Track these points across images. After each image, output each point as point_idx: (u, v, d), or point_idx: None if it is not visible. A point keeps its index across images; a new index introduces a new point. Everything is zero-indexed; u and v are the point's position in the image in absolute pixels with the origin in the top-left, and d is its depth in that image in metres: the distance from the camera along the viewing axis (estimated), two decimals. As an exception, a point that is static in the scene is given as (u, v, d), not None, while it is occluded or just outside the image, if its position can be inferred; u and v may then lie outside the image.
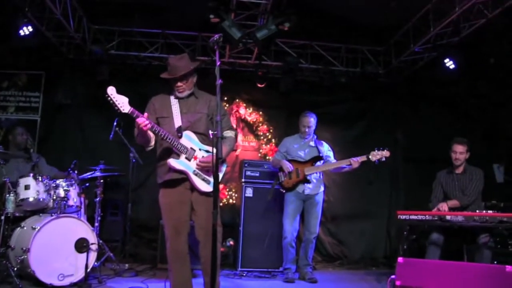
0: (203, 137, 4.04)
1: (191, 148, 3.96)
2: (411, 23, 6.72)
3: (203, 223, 3.88)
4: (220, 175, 3.98)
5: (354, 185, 7.74)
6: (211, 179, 3.87)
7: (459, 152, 5.45)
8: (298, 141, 6.14)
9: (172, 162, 3.90)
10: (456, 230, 5.05)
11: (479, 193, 5.43)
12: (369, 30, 7.13)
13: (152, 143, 4.11)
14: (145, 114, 3.78)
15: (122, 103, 3.70)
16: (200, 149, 3.98)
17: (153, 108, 4.08)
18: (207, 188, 3.94)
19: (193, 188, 3.96)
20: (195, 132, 3.99)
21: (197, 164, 3.93)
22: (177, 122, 3.98)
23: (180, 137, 3.94)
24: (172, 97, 4.10)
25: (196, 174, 3.94)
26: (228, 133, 4.16)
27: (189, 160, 3.94)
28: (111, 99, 3.68)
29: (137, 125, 3.72)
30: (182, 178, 3.95)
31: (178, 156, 3.94)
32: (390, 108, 8.09)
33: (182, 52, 7.01)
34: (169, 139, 3.86)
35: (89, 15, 6.90)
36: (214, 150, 3.30)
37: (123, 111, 3.70)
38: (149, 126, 3.72)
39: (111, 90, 3.68)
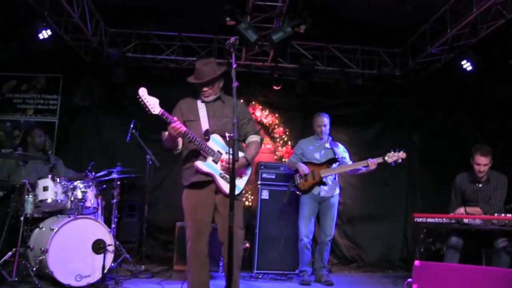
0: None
1: (218, 151, 3.99)
2: (427, 25, 6.66)
3: (225, 226, 3.79)
4: (246, 178, 4.13)
5: (370, 187, 7.69)
6: (238, 183, 3.94)
7: (483, 164, 5.17)
8: (314, 143, 6.13)
9: (199, 164, 3.93)
10: (474, 233, 4.96)
11: (503, 200, 5.25)
12: (385, 32, 7.08)
13: (180, 146, 4.14)
14: (175, 118, 3.83)
15: (153, 104, 3.74)
16: (226, 152, 3.93)
17: (180, 111, 4.13)
18: None
19: (218, 190, 3.98)
20: (222, 136, 4.00)
21: (222, 165, 3.96)
22: (204, 125, 4.01)
23: (208, 140, 3.98)
24: (199, 101, 4.14)
25: (222, 177, 3.97)
26: (254, 138, 4.23)
27: (216, 162, 3.98)
28: (142, 100, 3.71)
29: (171, 131, 3.77)
30: (208, 181, 3.98)
31: (205, 158, 3.97)
32: (407, 110, 8.03)
33: (197, 55, 7.13)
34: (197, 141, 3.89)
35: (106, 18, 6.97)
36: (231, 151, 3.36)
37: (153, 113, 3.73)
38: (183, 130, 3.77)
39: (143, 92, 3.73)
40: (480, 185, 5.33)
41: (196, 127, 4.02)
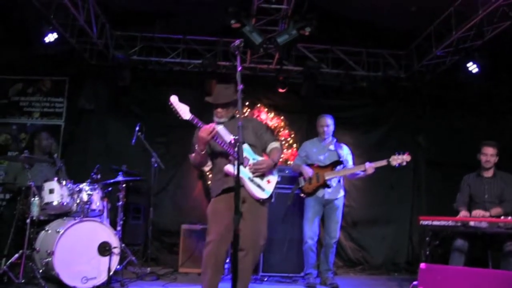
0: (254, 148, 4.19)
1: (245, 157, 4.09)
2: (433, 27, 6.65)
3: (249, 232, 3.91)
4: (273, 185, 4.20)
5: (376, 189, 7.67)
6: (266, 187, 4.12)
7: (490, 154, 5.34)
8: (317, 145, 6.12)
9: (229, 167, 3.99)
10: (480, 236, 4.95)
11: None
12: (390, 34, 7.07)
13: (209, 161, 4.26)
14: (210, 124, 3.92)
15: (184, 110, 3.90)
16: (253, 159, 4.13)
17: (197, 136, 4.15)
18: (262, 194, 4.08)
19: (245, 198, 4.00)
20: (246, 143, 4.13)
21: (250, 166, 4.07)
22: (228, 138, 4.06)
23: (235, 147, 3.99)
24: (214, 124, 4.14)
25: (251, 180, 4.07)
26: (274, 144, 4.33)
27: (245, 167, 4.07)
28: (173, 107, 3.88)
29: (203, 133, 3.84)
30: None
31: (233, 163, 3.91)
32: (412, 112, 8.00)
33: (202, 57, 7.15)
34: (226, 146, 3.99)
35: (112, 21, 7.00)
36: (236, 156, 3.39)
37: (184, 118, 3.89)
38: (215, 131, 3.86)
39: (174, 99, 3.88)
40: (486, 180, 5.41)
41: (215, 145, 4.09)
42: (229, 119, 4.25)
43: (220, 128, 4.12)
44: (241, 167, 3.80)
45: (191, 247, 6.17)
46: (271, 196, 4.18)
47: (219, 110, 4.21)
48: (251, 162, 4.10)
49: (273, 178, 4.21)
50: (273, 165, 4.17)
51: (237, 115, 4.12)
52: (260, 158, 4.16)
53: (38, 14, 5.90)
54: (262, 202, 4.11)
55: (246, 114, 7.71)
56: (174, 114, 3.89)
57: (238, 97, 3.49)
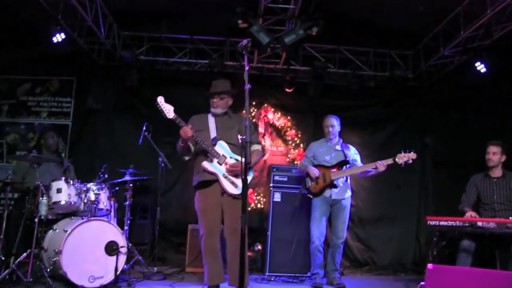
0: (234, 147, 4.65)
1: (223, 154, 4.60)
2: (440, 26, 6.62)
3: (230, 223, 4.55)
4: (249, 177, 4.46)
5: (383, 190, 7.66)
6: (238, 183, 4.51)
7: (493, 152, 5.37)
8: (324, 145, 6.11)
9: (205, 164, 4.56)
10: (488, 237, 4.93)
11: None
12: (397, 34, 7.06)
13: (191, 151, 4.77)
14: (189, 125, 4.49)
15: (169, 110, 4.47)
16: (230, 157, 4.61)
17: (192, 123, 4.67)
18: (234, 190, 4.55)
19: (223, 192, 4.57)
20: (227, 142, 4.64)
21: (226, 169, 4.55)
22: (213, 133, 4.67)
23: (214, 145, 4.61)
24: (209, 116, 4.82)
25: (225, 177, 4.55)
26: (255, 146, 4.82)
27: (220, 164, 4.58)
28: (159, 106, 4.45)
29: (182, 133, 4.42)
30: (213, 180, 4.57)
31: (211, 160, 4.58)
32: (419, 112, 7.98)
33: (209, 57, 7.18)
34: (205, 144, 4.54)
35: (119, 21, 7.02)
36: (244, 153, 3.48)
37: (168, 117, 4.46)
38: (190, 134, 4.40)
39: (160, 99, 4.46)
40: (495, 180, 5.40)
41: (205, 135, 4.64)
42: (223, 114, 4.78)
43: (210, 122, 4.72)
44: (217, 165, 4.59)
45: (198, 246, 6.13)
46: None
47: (214, 100, 4.74)
48: (228, 160, 4.57)
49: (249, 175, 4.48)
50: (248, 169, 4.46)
51: (227, 110, 4.81)
52: (238, 158, 4.54)
53: (46, 14, 5.93)
54: (235, 197, 4.54)
55: (253, 114, 7.72)
56: (160, 113, 4.46)
57: (246, 97, 3.52)
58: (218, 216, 4.59)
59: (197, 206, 4.67)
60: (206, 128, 4.70)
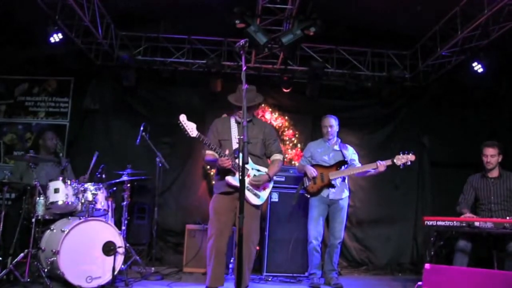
0: (257, 159, 4.72)
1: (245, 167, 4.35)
2: (438, 27, 6.63)
3: (244, 229, 4.32)
4: (268, 191, 4.76)
5: (380, 190, 7.66)
6: (261, 194, 4.66)
7: (490, 155, 5.35)
8: (322, 145, 6.11)
9: (229, 179, 4.53)
10: (485, 237, 4.93)
11: None
12: (395, 34, 7.07)
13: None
14: (226, 155, 4.45)
15: (191, 128, 4.38)
16: (252, 168, 4.65)
17: (216, 130, 4.76)
18: (256, 201, 4.62)
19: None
20: (250, 154, 4.54)
21: (249, 182, 4.57)
22: (235, 144, 4.59)
23: (237, 157, 4.45)
24: (232, 121, 4.77)
25: (248, 190, 4.57)
26: (277, 156, 4.85)
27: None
28: (182, 125, 4.35)
29: (220, 164, 4.46)
30: (236, 191, 4.53)
31: (234, 174, 4.55)
32: (417, 112, 7.98)
33: (207, 57, 7.16)
34: (232, 161, 4.46)
35: (117, 22, 7.02)
36: (241, 155, 3.49)
37: (191, 136, 4.37)
38: (228, 165, 4.42)
39: (183, 117, 4.36)
40: (492, 180, 5.39)
41: (228, 145, 4.61)
42: (248, 122, 4.49)
43: (233, 130, 4.66)
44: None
45: (195, 246, 6.16)
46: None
47: (241, 112, 4.29)
48: (250, 172, 4.59)
49: (269, 185, 4.77)
50: (268, 180, 4.70)
51: (251, 118, 4.78)
52: (260, 168, 4.66)
53: (43, 15, 5.92)
54: (256, 206, 4.62)
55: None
56: (182, 131, 4.33)
57: (243, 97, 3.53)
58: (230, 219, 4.61)
59: (212, 207, 4.66)
60: (230, 138, 4.66)
